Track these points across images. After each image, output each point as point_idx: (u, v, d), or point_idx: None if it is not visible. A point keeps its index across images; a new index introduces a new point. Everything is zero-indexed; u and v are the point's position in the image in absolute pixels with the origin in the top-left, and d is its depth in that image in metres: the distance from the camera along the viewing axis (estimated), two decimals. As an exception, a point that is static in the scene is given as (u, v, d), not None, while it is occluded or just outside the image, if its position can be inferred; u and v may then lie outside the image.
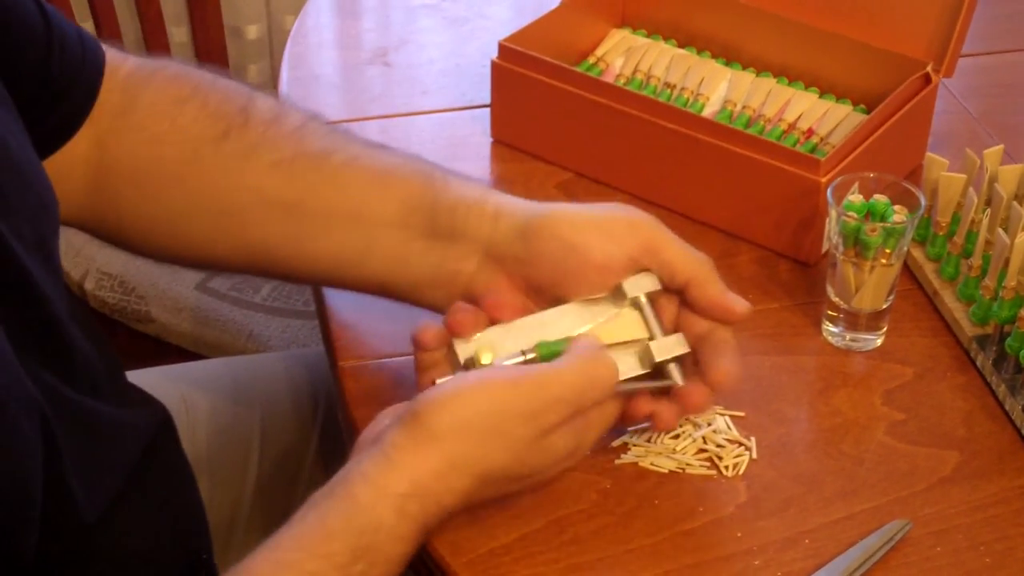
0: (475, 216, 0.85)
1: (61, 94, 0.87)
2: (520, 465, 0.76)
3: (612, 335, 0.82)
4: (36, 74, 0.85)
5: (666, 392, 0.83)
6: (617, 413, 0.81)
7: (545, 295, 0.84)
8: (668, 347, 0.82)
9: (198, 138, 0.89)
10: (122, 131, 0.89)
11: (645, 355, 0.82)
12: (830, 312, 0.96)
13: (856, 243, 0.92)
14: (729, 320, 0.83)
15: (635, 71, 1.18)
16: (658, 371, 0.82)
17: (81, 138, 0.89)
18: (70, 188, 0.87)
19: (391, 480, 0.72)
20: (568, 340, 0.80)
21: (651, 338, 0.82)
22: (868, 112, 1.11)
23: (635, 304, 0.83)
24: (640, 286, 0.83)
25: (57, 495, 0.74)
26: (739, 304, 0.83)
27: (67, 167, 0.87)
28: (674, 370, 0.82)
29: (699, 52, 1.20)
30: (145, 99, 0.90)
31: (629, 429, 0.88)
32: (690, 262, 0.83)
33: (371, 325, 0.97)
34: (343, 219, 0.88)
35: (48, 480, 0.72)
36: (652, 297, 0.83)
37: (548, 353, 0.79)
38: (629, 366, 0.82)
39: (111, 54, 0.91)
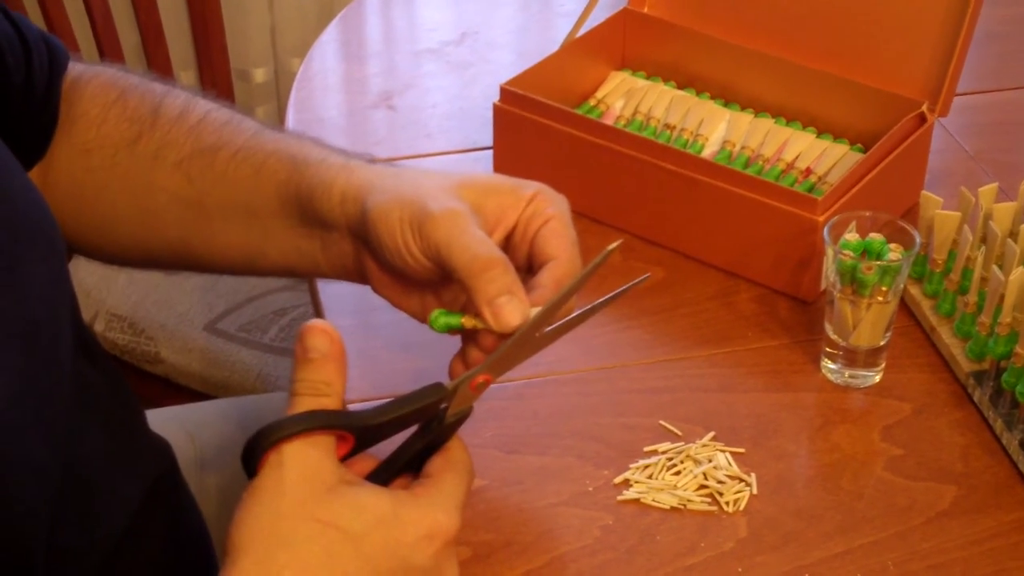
0: (325, 202, 0.83)
1: (40, 107, 0.89)
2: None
3: None
4: (21, 94, 0.87)
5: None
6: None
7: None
8: None
9: (116, 144, 0.90)
10: (61, 143, 0.90)
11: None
12: (828, 349, 0.98)
13: (853, 281, 0.94)
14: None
15: (635, 112, 1.20)
16: None
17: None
18: None
19: None
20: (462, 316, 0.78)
21: None
22: (865, 151, 1.13)
23: None
24: None
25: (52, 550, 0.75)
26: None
27: None
28: None
29: (698, 93, 1.22)
30: (79, 109, 0.91)
31: (631, 466, 0.90)
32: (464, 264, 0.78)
33: (372, 363, 0.98)
34: (237, 214, 0.88)
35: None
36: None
37: (444, 324, 0.78)
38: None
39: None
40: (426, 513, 0.70)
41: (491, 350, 0.77)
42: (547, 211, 0.81)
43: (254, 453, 0.69)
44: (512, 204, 0.81)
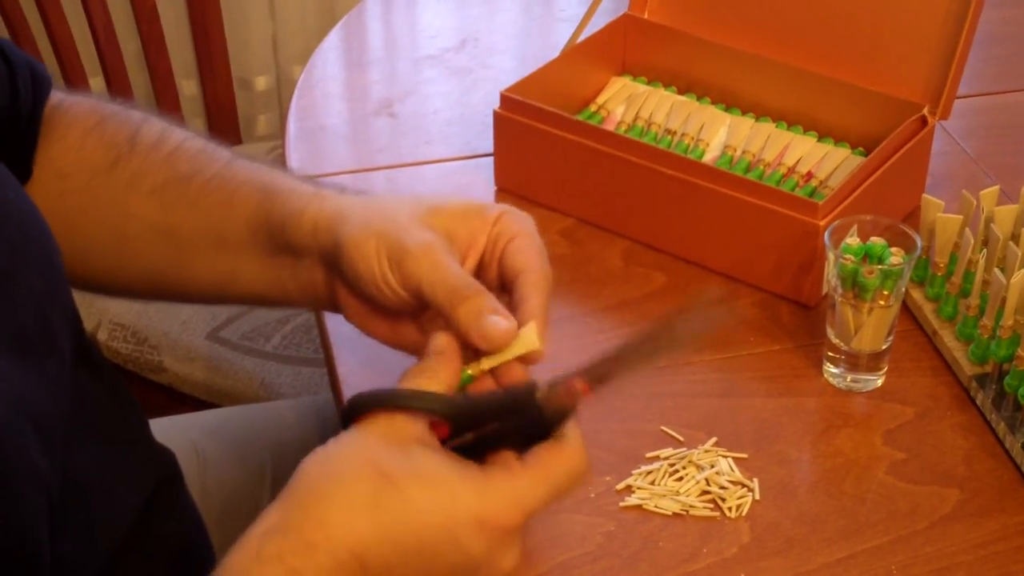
0: (296, 230, 0.84)
1: (23, 131, 0.89)
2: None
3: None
4: (5, 117, 0.87)
5: None
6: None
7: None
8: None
9: (93, 169, 0.90)
10: (40, 168, 0.90)
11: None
12: (831, 353, 0.98)
13: (854, 285, 0.93)
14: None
15: (636, 118, 1.20)
16: None
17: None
18: None
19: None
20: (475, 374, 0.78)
21: None
22: (867, 154, 1.13)
23: None
24: None
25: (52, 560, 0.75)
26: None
27: None
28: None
29: (699, 98, 1.22)
30: (58, 133, 0.91)
31: (633, 472, 0.90)
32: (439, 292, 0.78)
33: (378, 372, 0.98)
34: (209, 242, 0.88)
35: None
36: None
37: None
38: None
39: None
40: (486, 502, 0.69)
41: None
42: (512, 228, 0.82)
43: (355, 412, 0.72)
44: (480, 227, 0.82)
